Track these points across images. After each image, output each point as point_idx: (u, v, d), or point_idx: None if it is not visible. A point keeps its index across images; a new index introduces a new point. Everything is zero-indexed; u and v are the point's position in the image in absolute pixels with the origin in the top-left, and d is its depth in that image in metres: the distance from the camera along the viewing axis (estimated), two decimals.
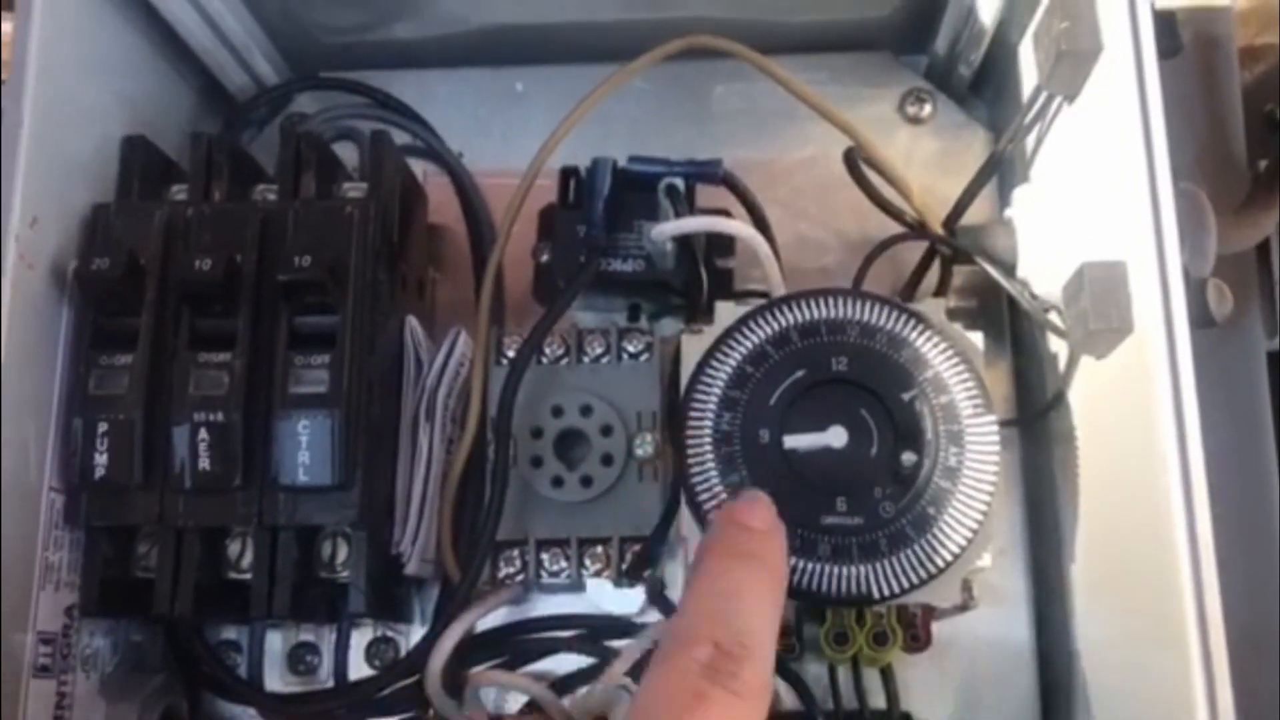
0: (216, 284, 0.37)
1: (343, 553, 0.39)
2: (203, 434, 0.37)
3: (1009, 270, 0.41)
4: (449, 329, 0.43)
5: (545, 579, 0.42)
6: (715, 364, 0.38)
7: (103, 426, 0.38)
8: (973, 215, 0.43)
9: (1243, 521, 0.45)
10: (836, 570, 0.36)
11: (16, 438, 0.36)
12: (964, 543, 0.36)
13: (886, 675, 0.41)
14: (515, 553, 0.42)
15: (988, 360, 0.39)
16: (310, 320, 0.38)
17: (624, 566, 0.41)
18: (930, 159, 0.48)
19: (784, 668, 0.42)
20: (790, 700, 0.41)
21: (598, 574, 0.42)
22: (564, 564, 0.42)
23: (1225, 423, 0.45)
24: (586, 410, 0.42)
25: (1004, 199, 0.44)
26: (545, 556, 0.42)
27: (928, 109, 0.48)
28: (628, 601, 0.43)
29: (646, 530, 0.41)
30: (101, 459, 0.37)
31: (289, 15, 0.47)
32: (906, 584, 0.35)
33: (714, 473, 0.36)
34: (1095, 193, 0.37)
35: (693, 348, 0.39)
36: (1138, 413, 0.34)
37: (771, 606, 0.31)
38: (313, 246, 0.38)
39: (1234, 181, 0.47)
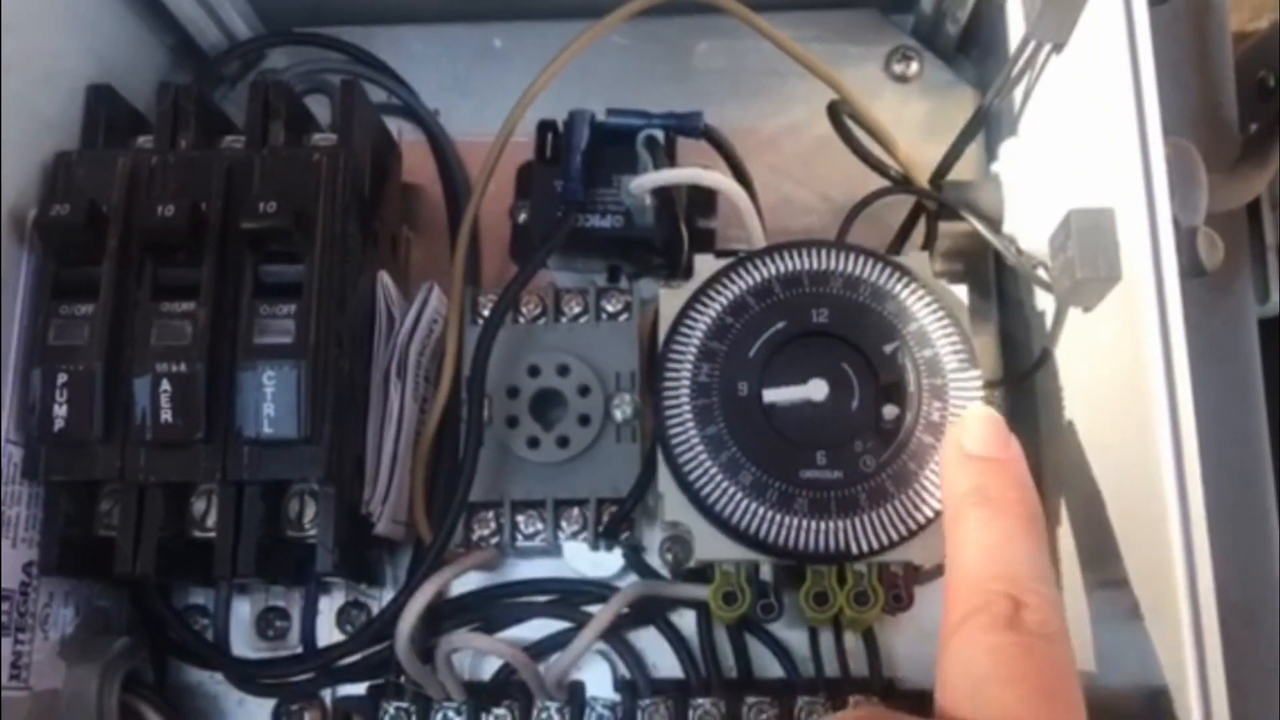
0: (180, 231, 0.36)
1: (310, 511, 0.38)
2: (165, 385, 0.36)
3: (995, 226, 0.40)
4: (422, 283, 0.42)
5: (520, 541, 0.41)
6: (694, 315, 0.37)
7: (62, 378, 0.36)
8: (962, 173, 0.42)
9: (1234, 490, 0.44)
10: (815, 525, 0.35)
11: None
12: None
13: (869, 640, 0.40)
14: (490, 514, 0.41)
15: (975, 322, 0.39)
16: (276, 270, 0.37)
17: (600, 529, 0.40)
18: (917, 118, 0.47)
19: (762, 631, 0.41)
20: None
21: (574, 536, 0.41)
22: (540, 526, 0.41)
23: (1215, 387, 0.44)
24: (564, 370, 0.41)
25: (991, 156, 0.43)
26: (520, 519, 0.41)
27: (914, 67, 0.47)
28: (605, 565, 0.42)
29: (624, 492, 0.40)
30: (61, 411, 0.36)
31: None
32: (886, 540, 0.35)
33: (691, 424, 0.35)
34: (1083, 142, 0.36)
35: (671, 302, 0.38)
36: (1126, 366, 0.33)
37: (1037, 537, 0.31)
38: (279, 194, 0.37)
39: (1225, 143, 0.46)
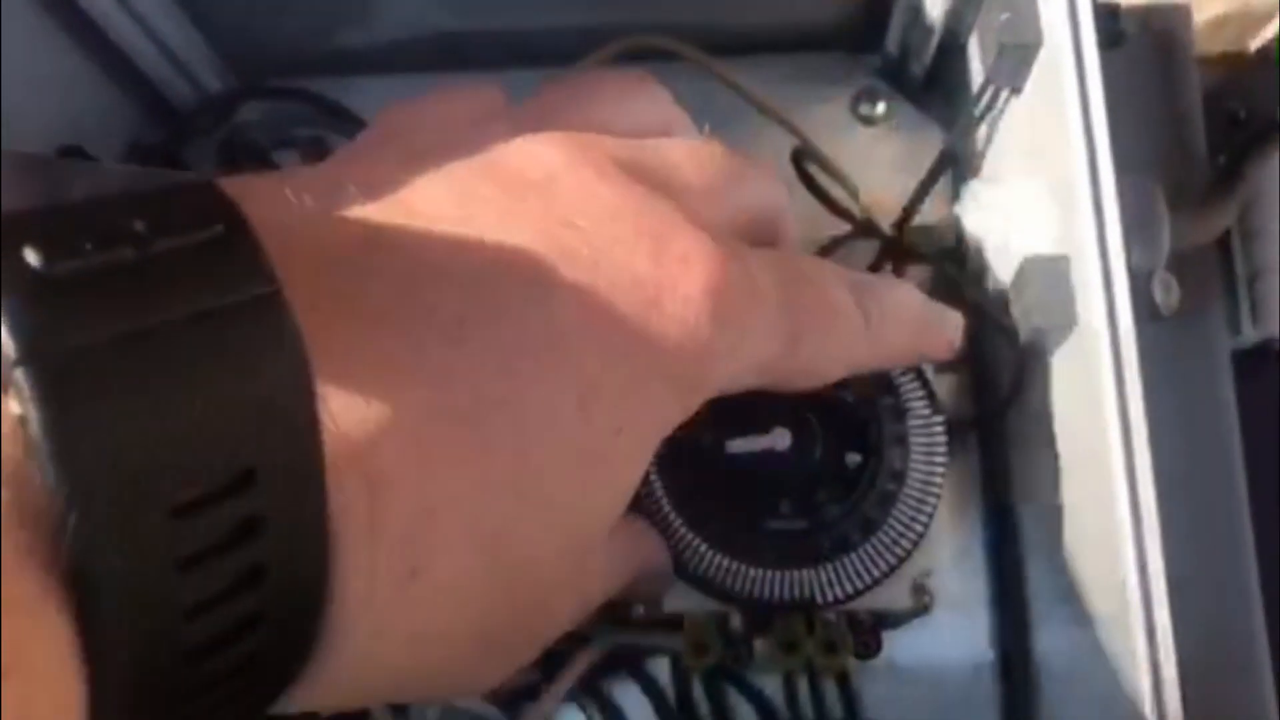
0: None
1: None
2: None
3: (960, 268, 0.40)
4: None
5: None
6: None
7: None
8: (932, 214, 0.42)
9: (1210, 522, 0.44)
10: (781, 575, 0.35)
11: None
12: (910, 546, 0.35)
13: (844, 686, 0.40)
14: None
15: (945, 363, 0.39)
16: None
17: None
18: (885, 160, 0.47)
19: (738, 679, 0.41)
20: None
21: None
22: None
23: (1188, 424, 0.45)
24: None
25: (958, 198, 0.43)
26: None
27: (881, 108, 0.47)
28: None
29: None
30: None
31: (234, 25, 0.47)
32: (851, 589, 0.35)
33: (655, 478, 0.35)
34: (1040, 187, 0.36)
35: None
36: (1086, 409, 0.33)
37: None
38: None
39: (1194, 175, 0.46)
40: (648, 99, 0.33)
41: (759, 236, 0.32)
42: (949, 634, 0.42)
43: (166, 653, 0.18)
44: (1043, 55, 0.36)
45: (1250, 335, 0.47)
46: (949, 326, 0.35)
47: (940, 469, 0.35)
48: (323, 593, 0.21)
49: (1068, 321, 0.33)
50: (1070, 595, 0.37)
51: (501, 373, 0.24)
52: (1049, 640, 0.39)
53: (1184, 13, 0.47)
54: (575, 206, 0.26)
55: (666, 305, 0.26)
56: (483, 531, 0.23)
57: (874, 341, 0.32)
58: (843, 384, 0.36)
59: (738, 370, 0.29)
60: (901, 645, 0.40)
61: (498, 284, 0.24)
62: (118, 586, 0.17)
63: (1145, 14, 0.46)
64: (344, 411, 0.21)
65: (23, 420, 0.17)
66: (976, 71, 0.41)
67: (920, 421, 0.36)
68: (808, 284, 0.31)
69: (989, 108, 0.39)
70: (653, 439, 0.27)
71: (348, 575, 0.21)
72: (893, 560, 0.35)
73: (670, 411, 0.27)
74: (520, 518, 0.24)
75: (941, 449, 0.35)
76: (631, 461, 0.27)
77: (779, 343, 0.29)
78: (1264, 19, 0.51)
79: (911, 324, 0.34)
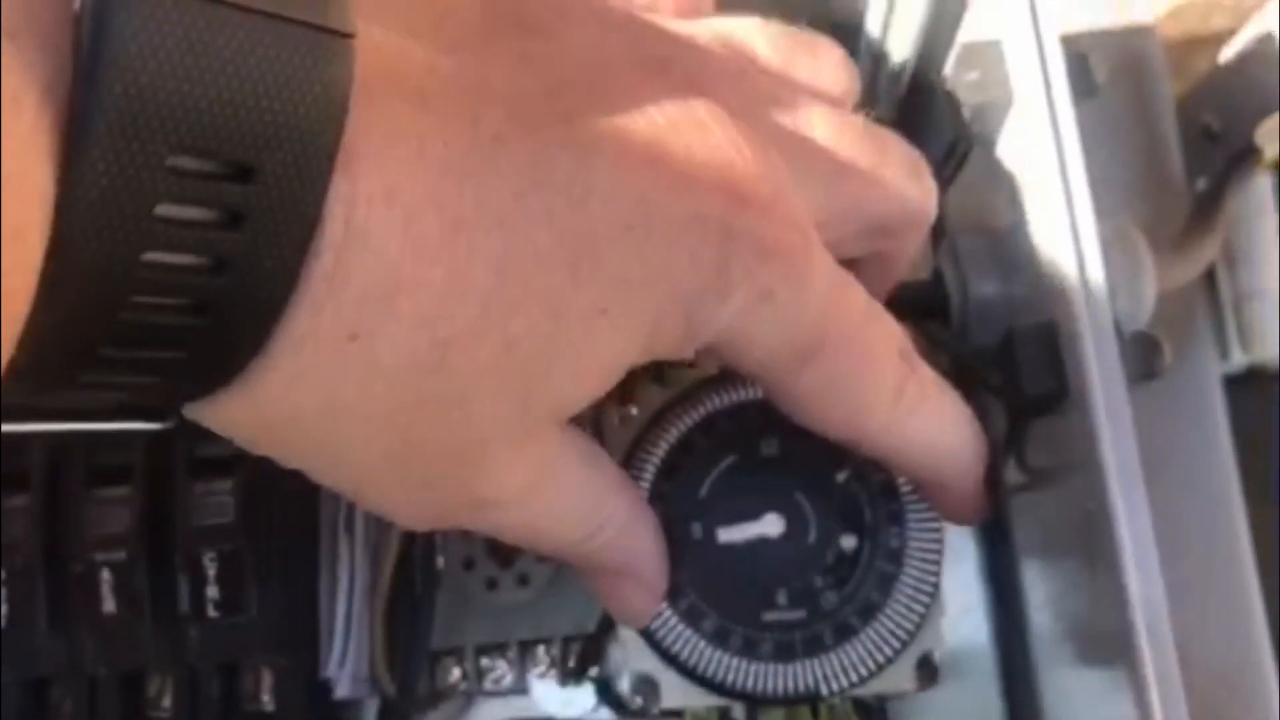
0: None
1: (268, 681, 0.38)
2: (105, 574, 0.35)
3: (944, 329, 0.39)
4: None
5: (488, 686, 0.40)
6: (643, 456, 0.36)
7: (2, 574, 0.36)
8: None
9: (1210, 557, 0.43)
10: (782, 669, 0.34)
11: None
12: (912, 628, 0.34)
13: None
14: (454, 660, 0.40)
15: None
16: (211, 445, 0.36)
17: (570, 666, 0.39)
18: None
19: None
20: None
21: (543, 675, 0.40)
22: (506, 669, 0.40)
23: (1182, 454, 0.44)
24: None
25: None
26: (485, 661, 0.40)
27: None
28: (576, 702, 0.41)
29: (589, 625, 0.39)
30: (2, 610, 0.36)
31: None
32: (856, 678, 0.34)
33: None
34: (1020, 247, 0.35)
35: (619, 436, 0.37)
36: (1080, 466, 0.32)
37: None
38: None
39: (1172, 204, 0.45)
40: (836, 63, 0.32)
41: (868, 239, 0.31)
42: (958, 698, 0.41)
43: (117, 278, 0.19)
44: (1013, 111, 0.35)
45: (1240, 360, 0.46)
46: (972, 474, 0.33)
47: (938, 545, 0.34)
48: (266, 314, 0.21)
49: (1059, 388, 0.32)
50: (1072, 655, 0.36)
51: (532, 173, 0.23)
52: (1054, 700, 0.38)
53: (1150, 36, 0.47)
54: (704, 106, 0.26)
55: (712, 232, 0.25)
56: (434, 333, 0.23)
57: (891, 425, 0.30)
58: (835, 463, 0.35)
59: (738, 341, 0.27)
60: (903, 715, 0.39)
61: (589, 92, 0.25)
62: (98, 191, 0.18)
63: (1109, 43, 0.45)
64: (367, 175, 0.21)
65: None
66: (946, 125, 0.40)
67: (914, 497, 0.35)
68: (859, 315, 0.29)
69: (958, 166, 0.38)
70: (630, 350, 0.26)
71: (294, 313, 0.21)
72: (897, 645, 0.34)
73: (660, 332, 0.26)
74: (471, 335, 0.23)
75: (937, 523, 0.35)
76: (601, 350, 0.25)
77: (792, 346, 0.28)
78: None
79: (940, 438, 0.32)
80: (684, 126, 0.25)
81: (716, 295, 0.25)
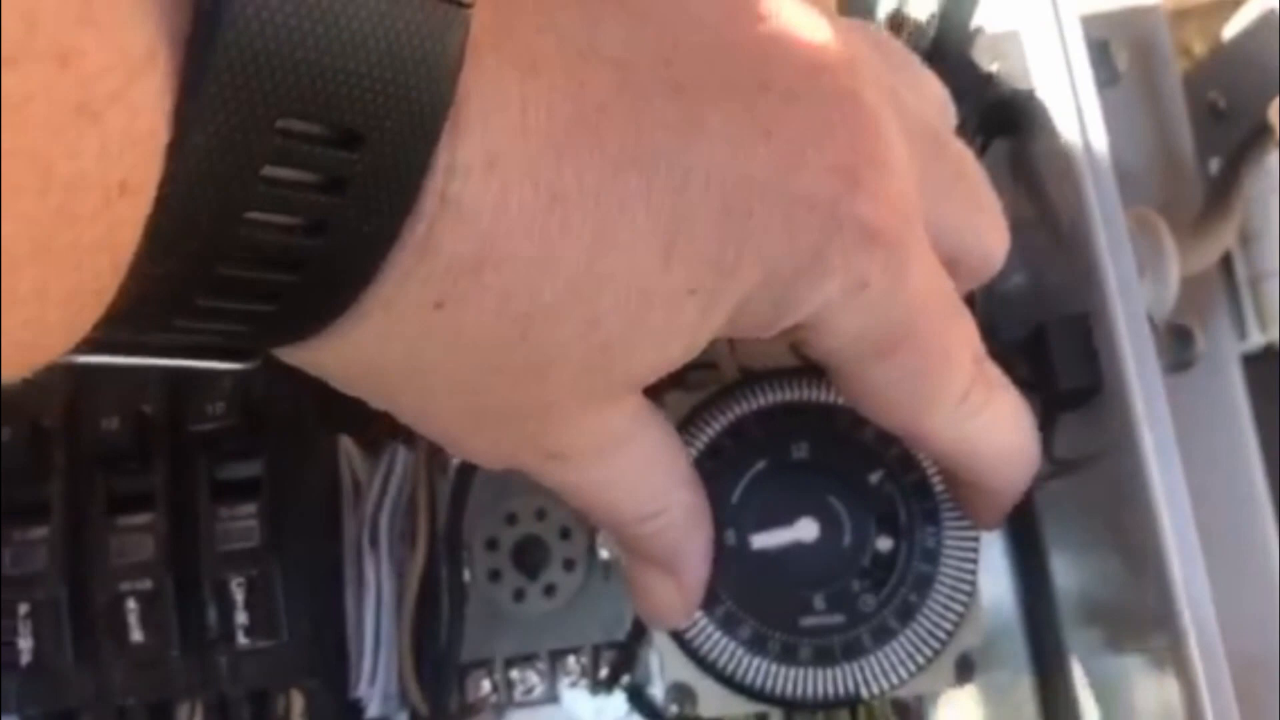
0: (125, 444, 0.35)
1: (298, 705, 0.37)
2: (131, 604, 0.35)
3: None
4: (387, 445, 0.40)
5: (518, 697, 0.39)
6: None
7: (24, 608, 0.35)
8: None
9: (1236, 544, 0.43)
10: (821, 674, 0.33)
11: None
12: (951, 626, 0.34)
13: None
14: (483, 672, 0.39)
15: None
16: (232, 468, 0.36)
17: (600, 675, 0.39)
18: None
19: None
20: None
21: (574, 685, 0.39)
22: (536, 680, 0.39)
23: (1204, 437, 0.44)
24: (541, 514, 0.40)
25: None
26: (515, 673, 0.40)
27: None
28: (608, 711, 0.41)
29: (619, 634, 0.39)
30: (27, 643, 0.35)
31: None
32: (896, 679, 0.33)
33: None
34: (1046, 240, 0.35)
35: None
36: (1117, 465, 0.32)
37: None
38: (224, 391, 0.35)
39: (1186, 188, 0.45)
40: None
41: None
42: (991, 700, 0.41)
43: (220, 235, 0.19)
44: (1034, 101, 0.34)
45: (1258, 339, 0.46)
46: (1019, 482, 0.32)
47: (974, 542, 0.34)
48: (357, 277, 0.21)
49: (1094, 383, 0.32)
50: (1108, 655, 0.36)
51: (633, 149, 0.22)
52: (1088, 700, 0.38)
53: (1156, 17, 0.46)
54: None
55: (817, 215, 0.24)
56: (519, 306, 0.22)
57: (950, 425, 0.29)
58: (868, 465, 0.35)
59: (821, 326, 0.26)
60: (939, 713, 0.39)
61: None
62: (207, 150, 0.18)
63: (1121, 28, 0.44)
64: (468, 143, 0.21)
65: None
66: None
67: (947, 496, 0.34)
68: (945, 314, 0.28)
69: (980, 153, 0.38)
70: (714, 327, 0.25)
71: (383, 277, 0.21)
72: (937, 645, 0.33)
73: (746, 312, 0.25)
74: (556, 310, 0.23)
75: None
76: (685, 327, 0.24)
77: (875, 338, 0.26)
78: None
79: (996, 443, 0.30)
80: (806, 100, 0.24)
81: (810, 280, 0.24)
